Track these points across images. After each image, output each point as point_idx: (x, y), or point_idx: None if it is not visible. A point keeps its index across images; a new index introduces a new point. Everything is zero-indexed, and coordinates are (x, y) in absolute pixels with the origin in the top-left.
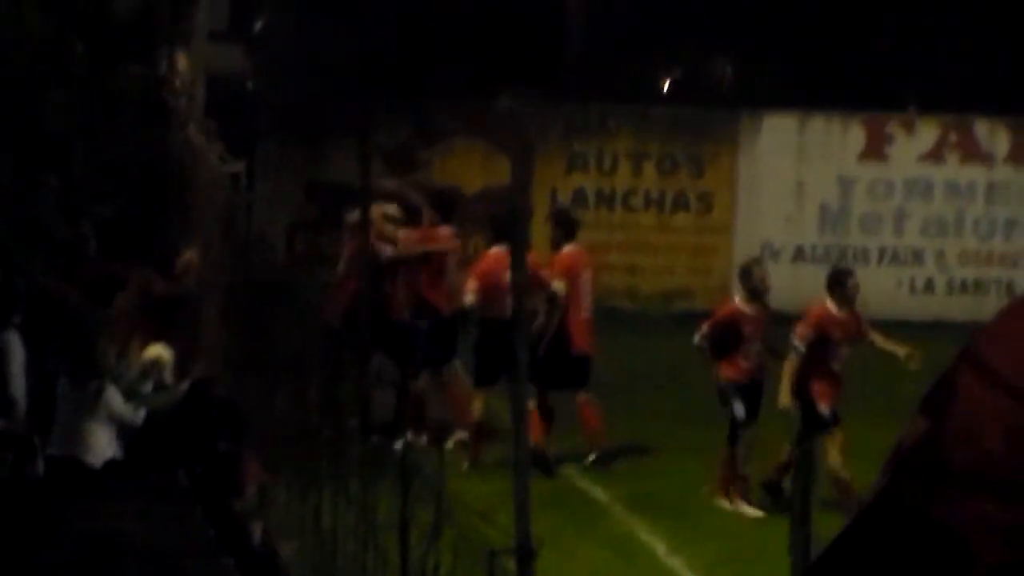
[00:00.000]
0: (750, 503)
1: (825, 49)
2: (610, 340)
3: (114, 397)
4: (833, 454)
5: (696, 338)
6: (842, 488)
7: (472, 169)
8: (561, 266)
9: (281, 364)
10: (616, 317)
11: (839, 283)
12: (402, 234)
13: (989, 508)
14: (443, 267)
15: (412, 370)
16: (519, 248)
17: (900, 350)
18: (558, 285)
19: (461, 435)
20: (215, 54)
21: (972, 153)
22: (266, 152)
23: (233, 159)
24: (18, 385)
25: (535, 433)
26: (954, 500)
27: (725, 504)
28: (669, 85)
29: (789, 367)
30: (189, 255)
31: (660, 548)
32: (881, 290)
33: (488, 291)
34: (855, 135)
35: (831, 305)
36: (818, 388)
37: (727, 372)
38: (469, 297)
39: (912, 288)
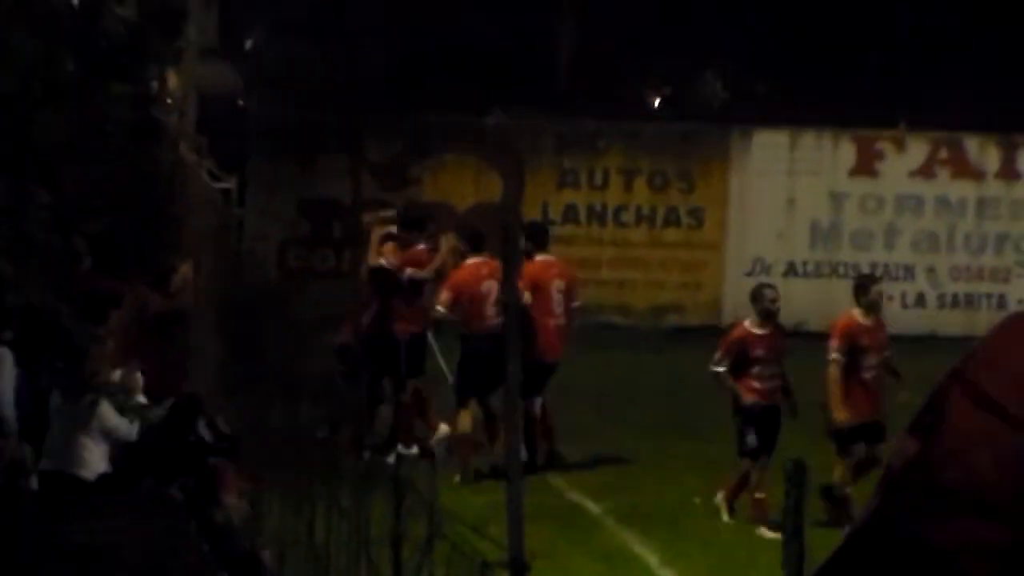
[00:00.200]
0: (767, 526)
1: (816, 66)
2: (601, 354)
3: (108, 412)
4: (838, 470)
5: (712, 365)
6: (839, 503)
7: (463, 185)
8: (528, 276)
9: (274, 378)
10: (607, 332)
11: (863, 290)
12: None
13: (978, 529)
14: (421, 284)
15: (402, 384)
16: (511, 263)
17: (898, 385)
18: (525, 296)
19: (440, 435)
20: (206, 72)
21: (962, 169)
22: (257, 169)
23: (225, 175)
24: (8, 400)
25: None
26: (944, 521)
27: (724, 515)
28: (660, 102)
29: (831, 379)
30: (184, 270)
31: (653, 561)
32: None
33: (463, 302)
34: (846, 151)
35: (857, 313)
36: (847, 401)
37: (747, 393)
38: (441, 308)
39: (903, 303)
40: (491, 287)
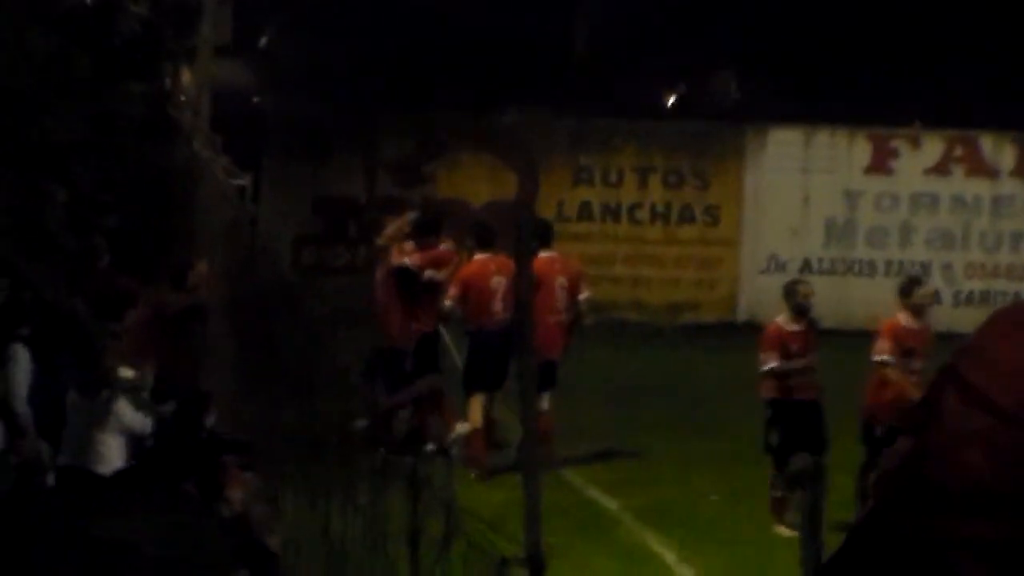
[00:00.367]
0: (784, 523)
1: (831, 64)
2: (617, 351)
3: (124, 408)
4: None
5: (762, 366)
6: None
7: (478, 183)
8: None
9: (288, 375)
10: (622, 329)
11: (906, 293)
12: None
13: (973, 525)
14: (439, 285)
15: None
16: (525, 260)
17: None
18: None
19: (457, 432)
20: (221, 69)
21: (977, 167)
22: (272, 166)
23: (239, 173)
24: (23, 397)
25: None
26: (939, 518)
27: (782, 531)
28: (675, 99)
29: (893, 378)
30: (201, 267)
31: (670, 558)
32: (887, 303)
33: (471, 298)
34: (861, 149)
35: (902, 316)
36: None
37: (770, 389)
38: (448, 303)
39: None
40: (499, 283)
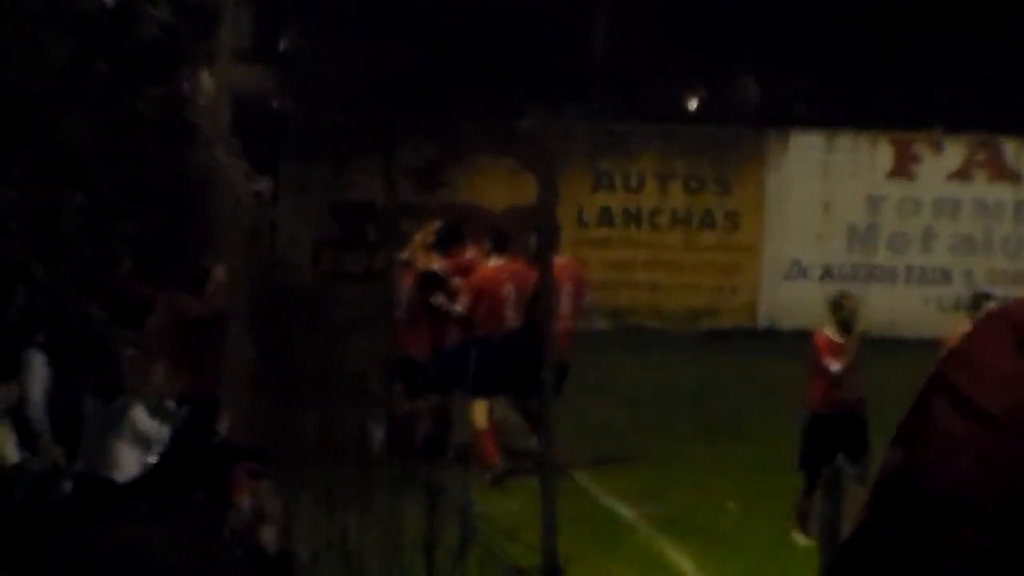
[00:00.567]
0: (804, 531)
1: (852, 69)
2: (636, 357)
3: (140, 415)
4: None
5: (830, 368)
6: None
7: (497, 187)
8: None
9: (307, 381)
10: (642, 335)
11: (976, 307)
12: (438, 260)
13: (965, 535)
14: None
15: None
16: (546, 266)
17: None
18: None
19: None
20: (240, 73)
21: (1000, 172)
22: (291, 170)
23: (258, 178)
24: (40, 404)
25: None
26: (931, 529)
27: (799, 538)
28: (696, 104)
29: None
30: (219, 273)
31: (687, 567)
32: (909, 308)
33: (482, 305)
34: (883, 154)
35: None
36: None
37: (812, 400)
38: (459, 310)
39: (940, 306)
40: (511, 290)
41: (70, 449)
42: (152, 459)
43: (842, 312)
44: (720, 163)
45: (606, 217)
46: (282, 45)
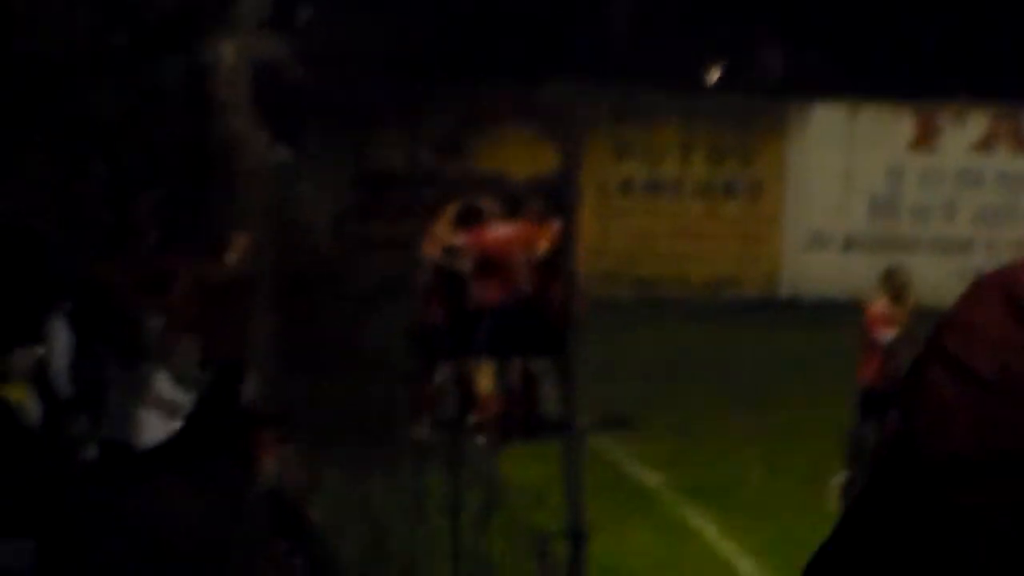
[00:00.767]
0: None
1: (875, 38)
2: (658, 327)
3: (163, 382)
4: None
5: (881, 339)
6: None
7: (520, 156)
8: (548, 233)
9: (330, 349)
10: (665, 304)
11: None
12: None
13: (962, 496)
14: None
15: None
16: (571, 234)
17: None
18: (542, 244)
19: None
20: (261, 43)
21: (1023, 143)
22: (312, 140)
23: (279, 147)
24: (64, 371)
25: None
26: (930, 491)
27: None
28: (718, 74)
29: None
30: (242, 240)
31: (711, 533)
32: (931, 279)
33: (494, 270)
34: (905, 125)
35: None
36: None
37: (870, 372)
38: (465, 267)
39: (962, 277)
40: (521, 255)
41: (94, 416)
42: (175, 425)
43: (894, 283)
44: (742, 133)
45: (628, 187)
46: (303, 14)
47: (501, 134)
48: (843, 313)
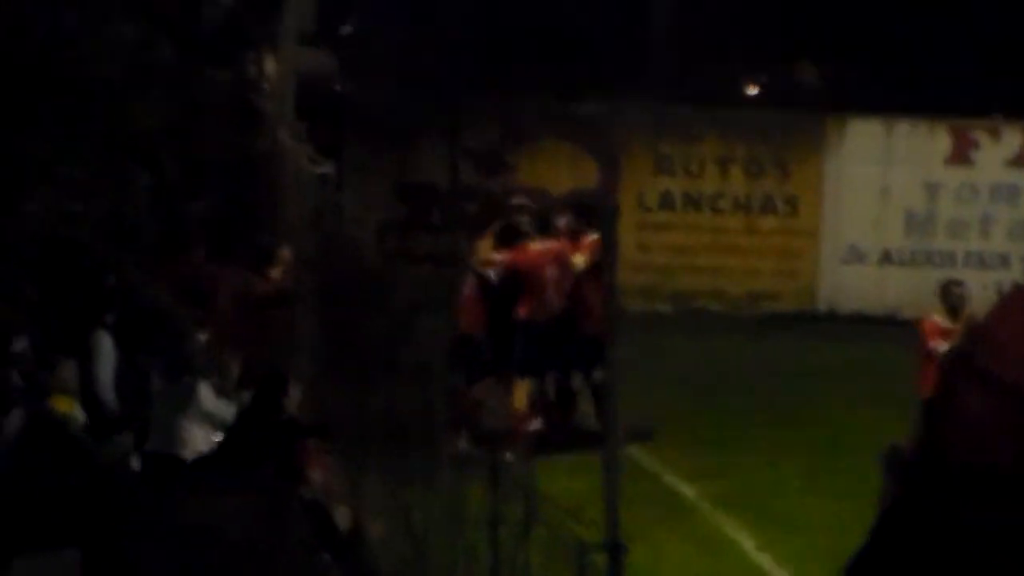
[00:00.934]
0: None
1: (911, 55)
2: (696, 340)
3: (207, 394)
4: None
5: (937, 350)
6: None
7: (559, 171)
8: (586, 248)
9: (372, 361)
10: (702, 318)
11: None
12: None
13: (997, 507)
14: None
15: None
16: (611, 249)
17: None
18: (579, 259)
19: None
20: (304, 57)
21: None
22: (355, 153)
23: (322, 160)
24: (109, 385)
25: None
26: (963, 503)
27: None
28: (756, 89)
29: None
30: (284, 254)
31: (748, 545)
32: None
33: (524, 287)
34: (941, 140)
35: None
36: None
37: (923, 386)
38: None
39: (999, 292)
40: (554, 272)
41: (139, 428)
42: (219, 437)
43: (951, 297)
44: (780, 148)
45: (667, 201)
46: (347, 28)
47: (541, 149)
48: (879, 327)
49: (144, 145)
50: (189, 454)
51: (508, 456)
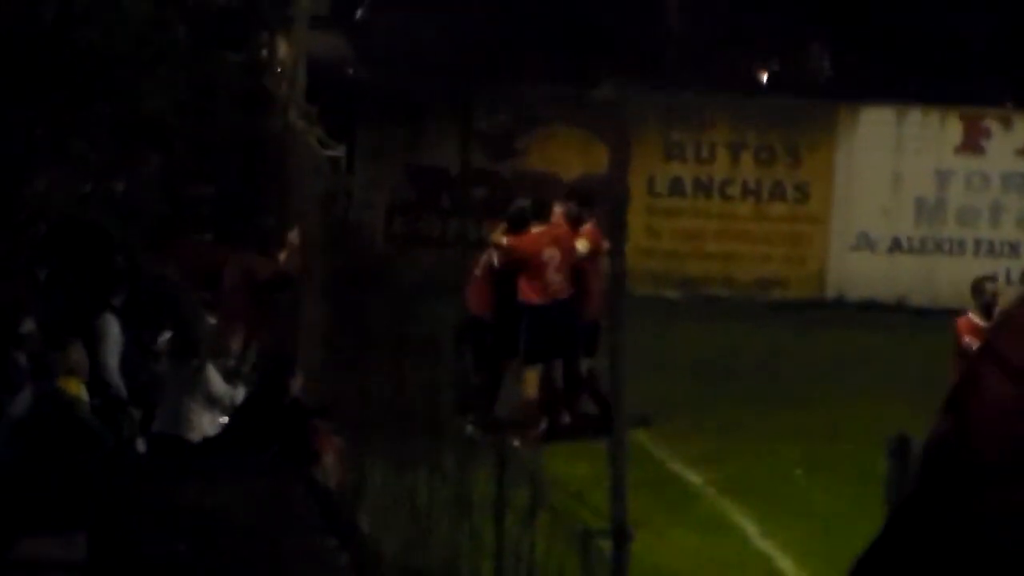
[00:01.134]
0: None
1: (923, 43)
2: (705, 326)
3: (213, 376)
4: None
5: (967, 348)
6: None
7: (570, 156)
8: (588, 235)
9: (379, 345)
10: (712, 304)
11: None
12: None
13: (1015, 493)
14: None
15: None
16: (620, 235)
17: None
18: (582, 244)
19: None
20: (316, 40)
21: None
22: (366, 136)
23: (333, 143)
24: (115, 368)
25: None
26: (986, 490)
27: None
28: (767, 75)
29: None
30: (292, 237)
31: (752, 531)
32: None
33: (524, 271)
34: (952, 129)
35: None
36: None
37: (955, 382)
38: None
39: (1008, 280)
40: (552, 255)
41: (146, 410)
42: (226, 419)
43: (984, 295)
44: (791, 135)
45: (677, 187)
46: (359, 11)
47: (552, 133)
48: (888, 315)
49: (154, 125)
50: (196, 436)
51: (517, 441)
